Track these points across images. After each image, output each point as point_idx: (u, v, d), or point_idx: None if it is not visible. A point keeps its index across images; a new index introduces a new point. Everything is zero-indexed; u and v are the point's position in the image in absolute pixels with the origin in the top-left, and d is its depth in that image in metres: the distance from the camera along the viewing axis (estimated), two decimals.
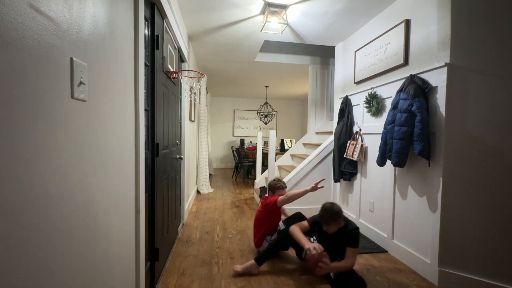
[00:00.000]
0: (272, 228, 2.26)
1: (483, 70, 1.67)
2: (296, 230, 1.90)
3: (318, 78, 4.42)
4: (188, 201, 3.35)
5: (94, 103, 0.86)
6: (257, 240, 2.28)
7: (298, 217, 2.36)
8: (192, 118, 3.51)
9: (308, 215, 2.85)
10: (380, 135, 2.24)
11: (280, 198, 2.19)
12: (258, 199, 3.87)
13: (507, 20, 1.60)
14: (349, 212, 3.02)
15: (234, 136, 8.00)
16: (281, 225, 2.32)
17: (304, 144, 4.54)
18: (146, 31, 1.51)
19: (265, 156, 5.32)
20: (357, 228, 1.81)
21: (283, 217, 2.42)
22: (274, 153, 3.35)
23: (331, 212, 1.76)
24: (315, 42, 3.35)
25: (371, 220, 2.59)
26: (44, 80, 0.63)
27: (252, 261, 1.91)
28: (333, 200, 3.27)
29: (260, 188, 3.92)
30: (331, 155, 3.19)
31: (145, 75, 1.45)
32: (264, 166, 4.95)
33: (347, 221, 1.84)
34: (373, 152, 2.55)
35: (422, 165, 1.96)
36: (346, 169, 2.88)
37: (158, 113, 1.70)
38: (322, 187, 2.08)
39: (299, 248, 2.01)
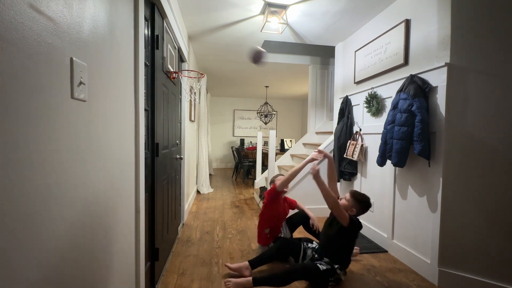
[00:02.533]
0: (276, 221, 2.19)
1: (483, 70, 1.67)
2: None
3: (318, 78, 4.42)
4: (188, 201, 3.35)
5: (94, 103, 0.86)
6: (261, 236, 2.23)
7: (301, 215, 2.34)
8: (192, 118, 3.51)
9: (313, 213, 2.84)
10: (380, 135, 2.24)
11: (278, 182, 2.14)
12: (258, 199, 3.86)
13: (507, 20, 1.60)
14: None
15: (234, 136, 8.00)
16: (283, 229, 2.28)
17: (304, 144, 4.54)
18: (146, 31, 1.51)
19: (265, 156, 5.32)
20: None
21: (291, 212, 2.40)
22: (274, 153, 3.35)
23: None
24: (315, 42, 3.35)
25: (371, 220, 2.59)
26: (44, 80, 0.62)
27: (246, 262, 1.85)
28: None
29: (260, 188, 3.92)
30: (331, 155, 3.19)
31: (145, 75, 1.45)
32: (264, 166, 4.95)
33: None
34: (373, 152, 2.55)
35: (422, 165, 1.96)
36: (346, 169, 2.88)
37: (158, 113, 1.70)
38: (317, 159, 2.07)
39: (297, 257, 1.97)
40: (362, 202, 1.79)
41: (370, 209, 2.56)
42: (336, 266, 1.76)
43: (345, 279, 1.86)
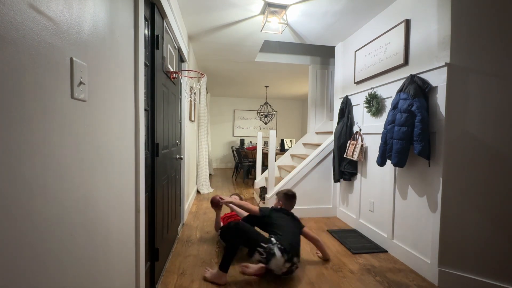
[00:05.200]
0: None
1: (483, 70, 1.67)
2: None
3: (318, 78, 4.42)
4: (188, 201, 3.35)
5: (94, 103, 0.86)
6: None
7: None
8: (192, 118, 3.51)
9: (308, 214, 2.83)
10: (380, 135, 2.24)
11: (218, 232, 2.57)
12: (258, 199, 3.86)
13: (507, 20, 1.60)
14: (349, 212, 3.02)
15: (234, 136, 8.00)
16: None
17: (304, 144, 4.54)
18: (146, 31, 1.51)
19: (265, 156, 5.32)
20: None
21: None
22: (274, 153, 3.35)
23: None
24: (315, 42, 3.35)
25: (371, 220, 2.59)
26: (44, 80, 0.62)
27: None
28: (333, 200, 3.29)
29: (260, 188, 3.92)
30: (331, 155, 3.19)
31: (145, 75, 1.45)
32: (264, 166, 4.95)
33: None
34: (373, 152, 2.55)
35: (422, 165, 1.96)
36: (346, 169, 2.88)
37: (158, 113, 1.70)
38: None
39: (251, 248, 1.88)
40: (282, 194, 2.26)
41: (370, 209, 2.59)
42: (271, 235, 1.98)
43: (300, 269, 1.95)
